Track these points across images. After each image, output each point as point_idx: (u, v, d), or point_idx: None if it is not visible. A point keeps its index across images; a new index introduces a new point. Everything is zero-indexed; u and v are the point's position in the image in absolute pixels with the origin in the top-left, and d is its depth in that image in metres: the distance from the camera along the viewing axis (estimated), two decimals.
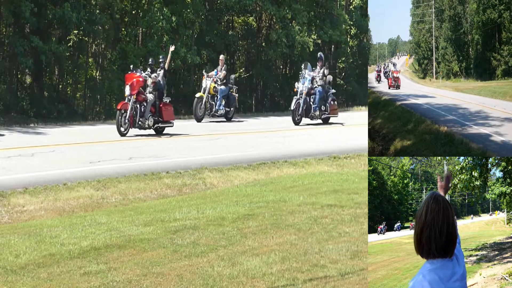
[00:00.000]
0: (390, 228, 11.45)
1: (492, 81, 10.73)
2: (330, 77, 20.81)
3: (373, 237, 9.65)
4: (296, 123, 19.73)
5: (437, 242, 2.63)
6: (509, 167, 8.15)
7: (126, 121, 16.37)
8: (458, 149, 7.24)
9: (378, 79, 12.68)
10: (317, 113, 19.99)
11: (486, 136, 7.32)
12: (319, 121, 20.33)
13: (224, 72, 20.88)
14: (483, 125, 7.88)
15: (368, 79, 12.95)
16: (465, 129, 7.68)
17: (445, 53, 11.97)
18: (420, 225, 2.65)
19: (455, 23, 11.74)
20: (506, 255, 8.81)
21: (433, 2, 11.76)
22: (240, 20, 30.39)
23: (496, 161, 8.10)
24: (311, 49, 28.38)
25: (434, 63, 12.03)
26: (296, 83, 20.44)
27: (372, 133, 8.11)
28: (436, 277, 2.61)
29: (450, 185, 3.34)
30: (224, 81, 20.93)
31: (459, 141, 7.05)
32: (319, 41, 29.59)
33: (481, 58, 11.35)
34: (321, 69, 20.31)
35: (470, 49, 11.80)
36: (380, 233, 10.81)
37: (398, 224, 11.68)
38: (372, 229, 10.89)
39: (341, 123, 20.72)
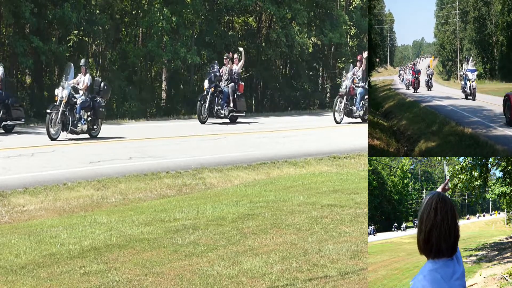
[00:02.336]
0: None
1: None
2: None
3: (373, 237, 9.64)
4: None
5: (447, 241, 2.66)
6: (509, 167, 8.14)
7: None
8: (483, 151, 7.22)
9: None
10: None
11: (511, 138, 7.28)
12: None
13: None
14: (508, 127, 7.84)
15: (393, 81, 12.84)
16: (490, 131, 7.63)
17: (470, 55, 11.93)
18: (429, 225, 2.67)
19: (480, 24, 11.68)
20: (506, 255, 8.80)
21: (457, 3, 11.71)
22: (240, 20, 30.39)
23: (496, 161, 8.09)
24: (310, 50, 28.39)
25: (459, 65, 11.97)
26: None
27: (397, 134, 8.12)
28: (438, 276, 2.64)
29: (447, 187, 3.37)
30: None
31: (484, 143, 7.01)
32: (319, 42, 29.61)
33: (506, 60, 11.30)
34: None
35: (495, 51, 11.73)
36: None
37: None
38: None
39: None
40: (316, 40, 29.16)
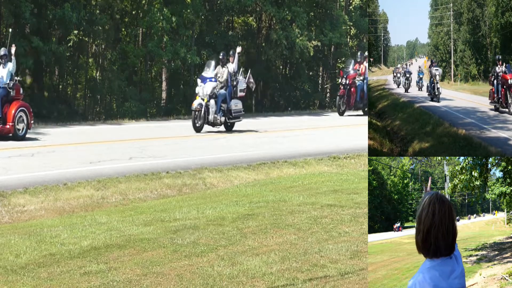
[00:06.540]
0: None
1: None
2: None
3: (373, 237, 9.65)
4: None
5: (446, 241, 2.69)
6: (509, 167, 8.15)
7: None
8: (476, 152, 7.23)
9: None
10: None
11: (505, 140, 7.28)
12: None
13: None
14: (501, 128, 7.84)
15: (387, 81, 12.86)
16: (483, 132, 7.64)
17: (464, 56, 11.91)
18: (427, 226, 2.69)
19: (474, 26, 11.67)
20: (506, 255, 8.81)
21: (451, 4, 11.70)
22: (240, 20, 30.39)
23: (496, 161, 8.10)
24: (311, 54, 28.39)
25: (452, 66, 11.94)
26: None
27: (391, 135, 8.12)
28: (436, 273, 2.66)
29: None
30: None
31: (478, 144, 7.02)
32: (319, 44, 29.60)
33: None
34: None
35: (489, 52, 11.73)
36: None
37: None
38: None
39: None
40: (316, 42, 29.15)
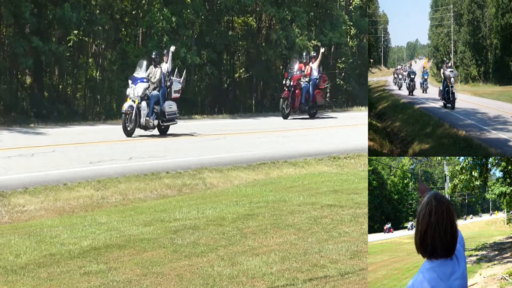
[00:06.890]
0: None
1: (511, 85, 10.64)
2: None
3: (373, 237, 9.65)
4: None
5: (442, 242, 2.65)
6: (509, 167, 8.15)
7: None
8: (476, 154, 7.23)
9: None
10: None
11: (505, 141, 7.28)
12: None
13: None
14: (501, 130, 7.84)
15: (387, 82, 12.84)
16: (483, 133, 7.64)
17: (464, 57, 11.91)
18: (424, 226, 2.67)
19: (474, 27, 11.66)
20: (506, 255, 8.81)
21: (451, 6, 11.69)
22: (240, 20, 30.39)
23: (496, 161, 8.11)
24: (311, 54, 28.39)
25: (453, 67, 11.92)
26: None
27: (391, 136, 8.12)
28: (434, 275, 2.64)
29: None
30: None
31: (478, 145, 7.02)
32: (319, 44, 29.60)
33: (500, 63, 11.30)
34: None
35: (489, 54, 11.72)
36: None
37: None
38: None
39: None
40: (316, 42, 29.15)
